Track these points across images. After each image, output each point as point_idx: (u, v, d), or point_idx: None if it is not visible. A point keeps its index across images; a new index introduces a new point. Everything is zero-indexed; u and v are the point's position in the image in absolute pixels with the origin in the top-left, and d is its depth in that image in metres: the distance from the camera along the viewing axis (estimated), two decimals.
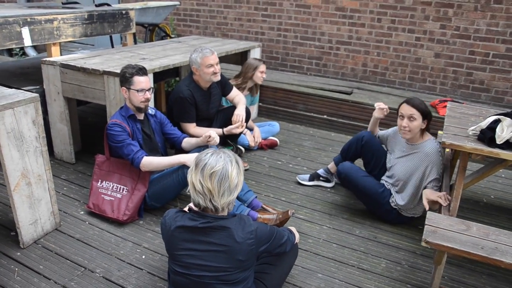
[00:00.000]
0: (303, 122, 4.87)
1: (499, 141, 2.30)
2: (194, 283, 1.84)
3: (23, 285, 2.33)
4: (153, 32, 5.37)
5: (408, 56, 4.92)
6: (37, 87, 3.55)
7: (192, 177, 1.77)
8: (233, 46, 4.46)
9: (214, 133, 2.92)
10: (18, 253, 2.57)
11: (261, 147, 4.16)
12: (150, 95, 2.91)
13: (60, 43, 3.68)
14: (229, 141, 3.72)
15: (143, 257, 2.58)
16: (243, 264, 1.80)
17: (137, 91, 2.83)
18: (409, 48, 4.89)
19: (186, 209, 2.01)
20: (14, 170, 2.45)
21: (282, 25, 5.48)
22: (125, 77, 2.83)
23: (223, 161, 1.75)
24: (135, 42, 4.79)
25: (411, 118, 2.69)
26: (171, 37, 5.58)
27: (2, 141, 2.36)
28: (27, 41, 3.33)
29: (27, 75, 3.94)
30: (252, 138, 4.05)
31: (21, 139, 2.45)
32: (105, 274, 2.43)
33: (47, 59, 3.42)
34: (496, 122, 2.39)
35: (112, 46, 4.93)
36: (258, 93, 4.26)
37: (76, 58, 3.51)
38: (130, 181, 2.91)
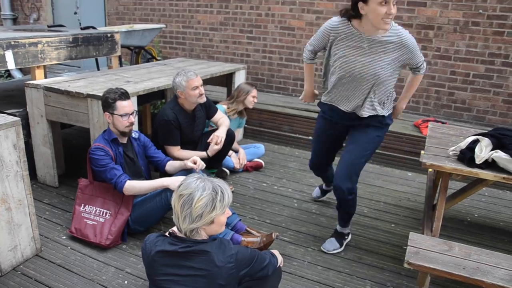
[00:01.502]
0: (289, 143, 4.90)
1: (478, 161, 2.33)
2: None
3: None
4: (139, 54, 5.40)
5: None
6: (21, 110, 3.52)
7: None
8: (218, 68, 4.50)
9: (198, 159, 2.93)
10: None
11: (246, 169, 4.16)
12: (134, 118, 2.91)
13: (44, 66, 3.67)
14: (213, 164, 3.72)
15: (126, 282, 2.54)
16: None
17: (121, 116, 2.82)
18: None
19: (167, 233, 1.99)
20: None
21: (267, 47, 5.56)
22: (108, 102, 2.83)
23: (195, 188, 1.74)
24: (121, 64, 4.81)
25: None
26: (157, 60, 5.62)
27: None
28: (11, 64, 3.33)
29: (10, 98, 3.92)
30: (237, 160, 4.05)
31: (1, 163, 2.42)
32: None
33: (31, 82, 3.41)
34: (475, 142, 2.43)
35: (98, 69, 4.94)
36: (245, 116, 4.30)
37: (60, 81, 3.50)
38: (113, 205, 2.88)
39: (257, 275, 1.99)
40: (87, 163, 2.90)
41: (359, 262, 2.84)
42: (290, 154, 4.68)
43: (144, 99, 4.17)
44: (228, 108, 4.05)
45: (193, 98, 3.27)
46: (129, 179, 2.80)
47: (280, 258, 2.29)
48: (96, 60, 4.89)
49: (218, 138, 3.40)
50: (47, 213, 3.26)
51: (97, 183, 2.92)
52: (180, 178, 2.80)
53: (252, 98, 4.08)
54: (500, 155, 2.29)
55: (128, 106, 2.86)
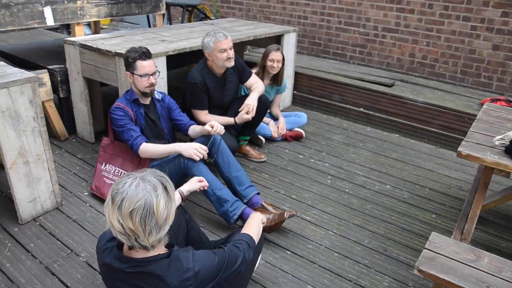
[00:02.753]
0: (338, 114, 4.56)
1: None
2: None
3: (10, 261, 2.36)
4: (191, 13, 5.26)
5: (462, 47, 4.38)
6: (62, 66, 3.58)
7: (110, 214, 1.41)
8: (265, 30, 4.23)
9: (216, 123, 2.76)
10: (16, 229, 2.61)
11: (285, 139, 3.93)
12: (154, 79, 2.80)
13: (95, 22, 3.64)
14: (246, 132, 3.55)
15: None
16: None
17: (140, 76, 2.73)
18: (463, 38, 4.35)
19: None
20: (10, 148, 2.47)
21: (325, 9, 5.13)
22: (128, 62, 2.74)
23: (144, 192, 1.40)
24: (170, 23, 4.72)
25: None
26: (210, 19, 5.45)
27: None
28: (49, 21, 3.36)
29: (57, 54, 3.99)
30: (275, 128, 3.84)
31: (17, 118, 2.45)
32: (88, 259, 2.40)
33: (69, 38, 3.43)
34: None
35: (149, 26, 4.90)
36: (284, 81, 3.97)
37: (96, 38, 3.49)
38: (131, 166, 2.85)
39: (227, 278, 1.70)
40: (108, 122, 2.88)
41: (383, 254, 2.56)
42: (337, 126, 4.35)
43: (189, 59, 4.06)
44: (256, 73, 3.74)
45: (220, 61, 3.08)
46: (146, 141, 2.73)
47: (260, 222, 2.03)
48: (148, 17, 4.85)
49: (249, 107, 3.19)
50: (77, 168, 3.33)
51: (117, 143, 2.90)
52: (194, 145, 2.68)
53: (270, 63, 3.66)
54: None
55: (148, 66, 2.74)
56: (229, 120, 3.23)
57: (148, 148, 2.71)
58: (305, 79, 4.65)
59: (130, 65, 2.74)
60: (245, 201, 2.76)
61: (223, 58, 3.06)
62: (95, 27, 4.56)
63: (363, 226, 2.82)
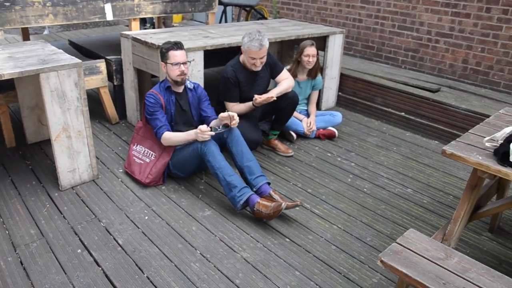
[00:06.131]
0: (380, 117, 4.51)
1: None
2: None
3: (46, 219, 2.76)
4: (249, 13, 5.50)
5: None
6: (118, 57, 4.01)
7: None
8: (310, 30, 4.33)
9: (234, 114, 2.95)
10: (56, 194, 3.03)
11: (318, 137, 4.01)
12: (185, 68, 3.05)
13: (159, 18, 3.97)
14: (276, 126, 3.69)
15: (146, 218, 2.80)
16: None
17: (172, 64, 3.01)
18: None
19: None
20: (56, 123, 2.87)
21: (380, 12, 5.08)
22: (162, 53, 3.03)
23: None
24: (226, 21, 5.00)
25: None
26: (267, 20, 5.65)
27: (46, 97, 2.79)
28: (109, 16, 3.80)
29: (118, 47, 4.46)
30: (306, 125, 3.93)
31: (63, 97, 2.85)
32: (107, 225, 2.72)
33: (125, 32, 3.84)
34: None
35: (226, 21, 5.26)
36: (319, 77, 4.04)
37: (148, 33, 3.85)
38: (158, 148, 3.14)
39: None
40: (142, 107, 3.20)
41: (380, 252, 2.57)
42: (376, 129, 4.32)
43: (233, 56, 4.30)
44: (289, 69, 3.86)
45: (247, 63, 3.30)
46: (168, 131, 3.01)
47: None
48: (223, 14, 5.17)
49: (262, 97, 3.31)
50: (119, 148, 3.72)
51: (148, 127, 3.20)
52: (197, 131, 2.87)
53: (306, 58, 3.77)
54: None
55: (179, 56, 3.01)
56: (249, 104, 3.38)
57: (170, 137, 2.99)
58: (350, 81, 4.67)
59: (164, 56, 3.04)
60: (255, 189, 2.91)
61: (250, 62, 3.26)
62: (158, 24, 4.99)
63: (370, 224, 2.83)
